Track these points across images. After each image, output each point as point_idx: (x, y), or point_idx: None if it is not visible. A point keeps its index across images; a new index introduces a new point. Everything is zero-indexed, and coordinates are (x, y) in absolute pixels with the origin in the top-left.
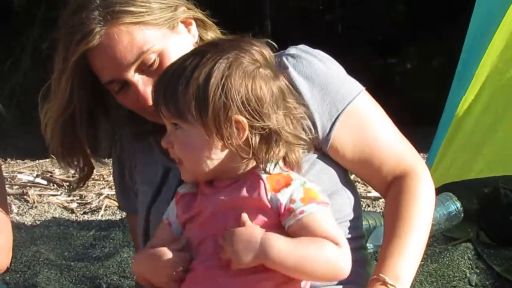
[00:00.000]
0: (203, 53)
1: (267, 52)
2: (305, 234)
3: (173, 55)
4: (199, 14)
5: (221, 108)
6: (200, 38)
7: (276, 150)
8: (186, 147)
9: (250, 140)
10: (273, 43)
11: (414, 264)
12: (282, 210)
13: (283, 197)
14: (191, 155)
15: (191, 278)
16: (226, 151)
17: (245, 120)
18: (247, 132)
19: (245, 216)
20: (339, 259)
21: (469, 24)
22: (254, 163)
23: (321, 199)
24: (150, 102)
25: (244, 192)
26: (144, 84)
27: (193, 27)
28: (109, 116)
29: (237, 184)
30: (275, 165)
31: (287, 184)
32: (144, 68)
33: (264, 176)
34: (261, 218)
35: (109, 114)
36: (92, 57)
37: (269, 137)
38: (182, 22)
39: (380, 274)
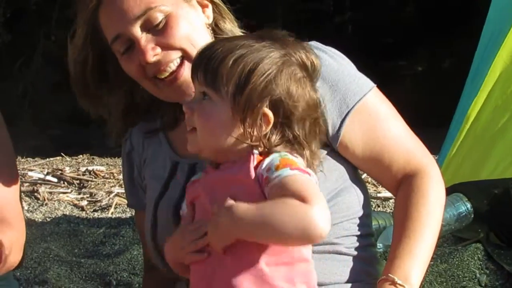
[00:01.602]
0: (258, 39)
1: (317, 61)
2: (277, 194)
3: (180, 22)
4: (218, 1)
5: (257, 95)
6: (217, 25)
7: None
8: (207, 117)
9: (269, 137)
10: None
11: (424, 264)
12: (261, 180)
13: (261, 168)
14: (209, 127)
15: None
16: (239, 133)
17: (272, 116)
18: (269, 128)
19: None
20: (308, 215)
21: (480, 26)
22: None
23: (298, 166)
24: (149, 58)
25: (235, 169)
26: (146, 41)
27: (209, 10)
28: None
29: (235, 163)
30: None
31: (266, 156)
32: (149, 27)
33: (256, 151)
34: (248, 192)
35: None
36: (102, 14)
37: (289, 141)
38: (197, 1)
39: (390, 274)
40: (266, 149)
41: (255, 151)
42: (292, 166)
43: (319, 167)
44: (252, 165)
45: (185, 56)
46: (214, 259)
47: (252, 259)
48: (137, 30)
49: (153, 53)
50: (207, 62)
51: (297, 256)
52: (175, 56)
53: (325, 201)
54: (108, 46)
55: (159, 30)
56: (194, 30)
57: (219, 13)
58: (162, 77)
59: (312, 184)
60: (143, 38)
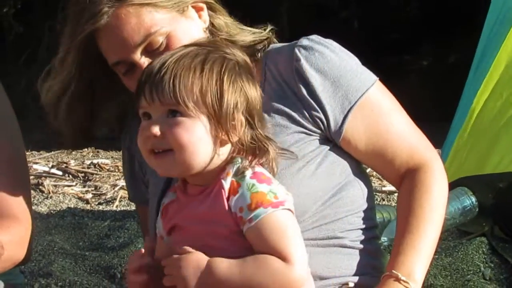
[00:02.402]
0: (202, 47)
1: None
2: (256, 243)
3: (181, 39)
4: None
5: (231, 104)
6: (212, 24)
7: (261, 151)
8: (186, 135)
9: (243, 138)
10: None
11: (427, 260)
12: (235, 216)
13: (233, 206)
14: (188, 144)
15: None
16: (218, 146)
17: (243, 119)
18: (243, 130)
19: (187, 248)
20: (287, 276)
21: (484, 21)
22: (223, 165)
23: (270, 201)
24: None
25: (209, 205)
26: None
27: (204, 12)
28: (112, 100)
29: (205, 193)
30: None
31: (235, 192)
32: (151, 50)
33: (226, 184)
34: (225, 227)
35: (112, 98)
36: (100, 38)
37: (258, 139)
38: (192, 6)
39: (393, 271)
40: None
41: (225, 183)
42: (264, 203)
43: (323, 163)
44: (225, 198)
45: None
46: None
47: None
48: (139, 56)
49: None
50: (171, 79)
51: None
52: None
53: (303, 244)
54: (99, 70)
55: (161, 53)
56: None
57: (212, 10)
58: None
59: (288, 225)
60: (146, 64)
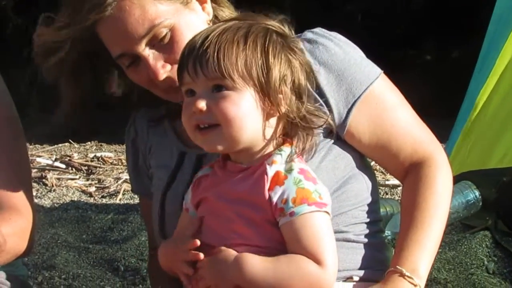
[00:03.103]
0: (243, 21)
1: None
2: (292, 239)
3: (185, 31)
4: None
5: (278, 76)
6: (216, 16)
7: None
8: (233, 109)
9: (290, 110)
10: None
11: (431, 255)
12: (274, 208)
13: (275, 196)
14: (236, 118)
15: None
16: (266, 120)
17: (290, 92)
18: (289, 102)
19: (218, 248)
20: (319, 279)
21: (489, 16)
22: (270, 150)
23: (315, 199)
24: (161, 77)
25: (250, 185)
26: (155, 59)
27: (208, 5)
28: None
29: (247, 172)
30: (288, 154)
31: (280, 182)
32: (155, 43)
33: (270, 171)
34: (260, 213)
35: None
36: (102, 29)
37: (303, 117)
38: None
39: (397, 266)
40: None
41: (269, 169)
42: (309, 200)
43: (327, 157)
44: (266, 184)
45: None
46: None
47: None
48: (143, 48)
49: (163, 71)
50: (215, 53)
51: None
52: None
53: (336, 250)
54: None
55: (166, 45)
56: None
57: (215, 3)
58: (175, 86)
59: (325, 227)
60: (151, 56)
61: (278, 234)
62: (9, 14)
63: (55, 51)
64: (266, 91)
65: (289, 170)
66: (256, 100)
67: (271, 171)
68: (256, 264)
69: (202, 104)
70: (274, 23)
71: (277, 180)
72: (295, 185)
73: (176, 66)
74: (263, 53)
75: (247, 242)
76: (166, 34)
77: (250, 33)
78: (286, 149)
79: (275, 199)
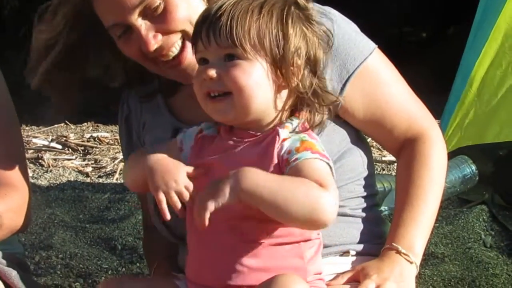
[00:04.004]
0: None
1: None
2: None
3: (179, 5)
4: None
5: (292, 48)
6: None
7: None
8: (248, 76)
9: (302, 84)
10: None
11: (427, 231)
12: (281, 164)
13: (282, 150)
14: (246, 86)
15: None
16: (277, 91)
17: (303, 65)
18: (302, 75)
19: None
20: (321, 199)
21: None
22: (278, 121)
23: (318, 150)
24: (152, 48)
25: (259, 151)
26: (146, 29)
27: None
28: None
29: (257, 140)
30: (298, 124)
31: (286, 139)
32: (148, 13)
33: (282, 134)
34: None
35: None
36: (97, 3)
37: (315, 93)
38: None
39: (393, 244)
40: (301, 96)
41: (280, 130)
42: (312, 149)
43: (322, 132)
44: (276, 149)
45: (186, 37)
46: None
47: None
48: (136, 18)
49: (154, 42)
50: (229, 22)
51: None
52: (176, 38)
53: (337, 192)
54: (88, 31)
55: (158, 16)
56: (192, 9)
57: None
58: (165, 60)
59: (328, 172)
60: (143, 26)
61: None
62: None
63: (51, 48)
64: (278, 63)
65: (296, 133)
66: (268, 71)
67: (282, 134)
68: (260, 174)
69: (212, 72)
70: None
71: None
72: (299, 139)
73: (168, 36)
74: (278, 24)
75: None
76: (159, 5)
77: (266, 3)
78: (296, 120)
79: (281, 153)
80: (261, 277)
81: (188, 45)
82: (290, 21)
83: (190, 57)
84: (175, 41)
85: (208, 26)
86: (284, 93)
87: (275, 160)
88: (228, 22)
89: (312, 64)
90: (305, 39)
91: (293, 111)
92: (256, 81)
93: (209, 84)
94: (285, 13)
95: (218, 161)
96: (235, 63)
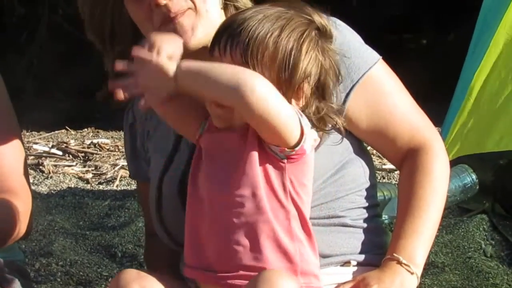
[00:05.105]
0: (286, 10)
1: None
2: None
3: None
4: None
5: (301, 74)
6: None
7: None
8: None
9: (307, 110)
10: None
11: (429, 242)
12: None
13: None
14: None
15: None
16: None
17: (310, 90)
18: (307, 100)
19: None
20: (247, 73)
21: None
22: None
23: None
24: (162, 2)
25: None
26: None
27: None
28: None
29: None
30: None
31: None
32: None
33: None
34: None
35: None
36: None
37: (319, 117)
38: None
39: (394, 254)
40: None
41: None
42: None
43: (325, 141)
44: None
45: (192, 9)
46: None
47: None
48: None
49: None
50: (246, 42)
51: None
52: (185, 5)
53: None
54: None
55: None
56: None
57: None
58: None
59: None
60: None
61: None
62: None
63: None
64: (284, 86)
65: None
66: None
67: None
68: (191, 62)
69: None
70: (318, 16)
71: None
72: None
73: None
74: (292, 50)
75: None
76: None
77: (288, 26)
78: None
79: None
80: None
81: (190, 13)
82: (305, 47)
83: (185, 23)
84: (183, 9)
85: (227, 37)
86: None
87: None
88: (246, 41)
89: (321, 90)
90: (318, 65)
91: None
92: None
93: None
94: (303, 38)
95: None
96: None
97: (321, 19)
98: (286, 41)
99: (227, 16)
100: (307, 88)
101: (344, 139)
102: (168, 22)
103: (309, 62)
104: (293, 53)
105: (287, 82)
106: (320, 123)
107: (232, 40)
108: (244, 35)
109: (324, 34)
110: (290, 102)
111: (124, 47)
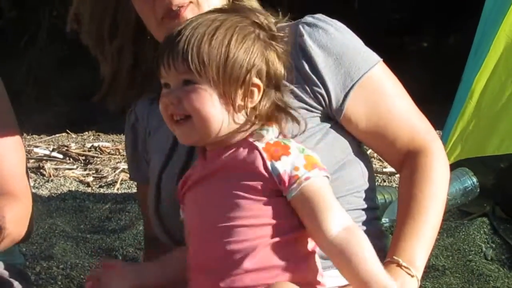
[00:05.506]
0: (222, 14)
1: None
2: (307, 205)
3: None
4: None
5: (243, 70)
6: None
7: (280, 119)
8: (202, 102)
9: (260, 105)
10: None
11: (429, 245)
12: (286, 178)
13: (285, 165)
14: (201, 110)
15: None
16: (233, 112)
17: (261, 84)
18: (260, 96)
19: None
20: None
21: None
22: (249, 132)
23: (322, 166)
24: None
25: (237, 157)
26: None
27: None
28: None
29: (229, 150)
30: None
31: (287, 153)
32: None
33: (259, 145)
34: (255, 184)
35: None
36: None
37: (278, 107)
38: None
39: (394, 257)
40: (260, 121)
41: (258, 144)
42: (319, 166)
43: (323, 140)
44: (260, 161)
45: (194, 3)
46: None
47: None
48: None
49: None
50: (184, 48)
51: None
52: None
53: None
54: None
55: None
56: None
57: None
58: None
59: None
60: None
61: (280, 207)
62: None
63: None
64: (224, 84)
65: (287, 141)
66: (220, 92)
67: (261, 144)
68: None
69: (171, 97)
70: (258, 16)
71: (282, 150)
72: (301, 153)
73: None
74: (227, 45)
75: (248, 214)
76: None
77: (222, 26)
78: (270, 128)
79: (286, 168)
80: None
81: (192, 8)
82: (240, 39)
83: (189, 17)
84: (184, 1)
85: (168, 52)
86: (243, 113)
87: (265, 174)
88: (185, 48)
89: (274, 81)
90: (260, 56)
91: (270, 117)
92: (209, 104)
93: (172, 108)
94: (238, 33)
95: (194, 181)
96: (192, 88)
97: (259, 15)
98: (222, 38)
99: None
100: (258, 81)
101: (343, 139)
102: (171, 16)
103: (249, 54)
104: (230, 47)
105: (233, 78)
106: (281, 112)
107: (172, 53)
108: (181, 44)
109: (263, 29)
110: (243, 100)
111: (124, 40)
